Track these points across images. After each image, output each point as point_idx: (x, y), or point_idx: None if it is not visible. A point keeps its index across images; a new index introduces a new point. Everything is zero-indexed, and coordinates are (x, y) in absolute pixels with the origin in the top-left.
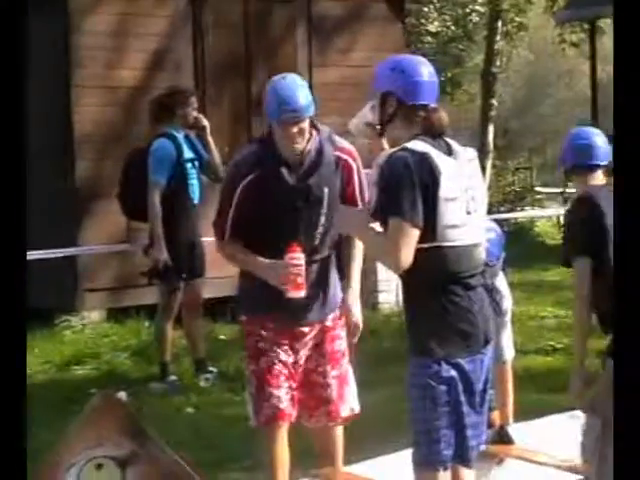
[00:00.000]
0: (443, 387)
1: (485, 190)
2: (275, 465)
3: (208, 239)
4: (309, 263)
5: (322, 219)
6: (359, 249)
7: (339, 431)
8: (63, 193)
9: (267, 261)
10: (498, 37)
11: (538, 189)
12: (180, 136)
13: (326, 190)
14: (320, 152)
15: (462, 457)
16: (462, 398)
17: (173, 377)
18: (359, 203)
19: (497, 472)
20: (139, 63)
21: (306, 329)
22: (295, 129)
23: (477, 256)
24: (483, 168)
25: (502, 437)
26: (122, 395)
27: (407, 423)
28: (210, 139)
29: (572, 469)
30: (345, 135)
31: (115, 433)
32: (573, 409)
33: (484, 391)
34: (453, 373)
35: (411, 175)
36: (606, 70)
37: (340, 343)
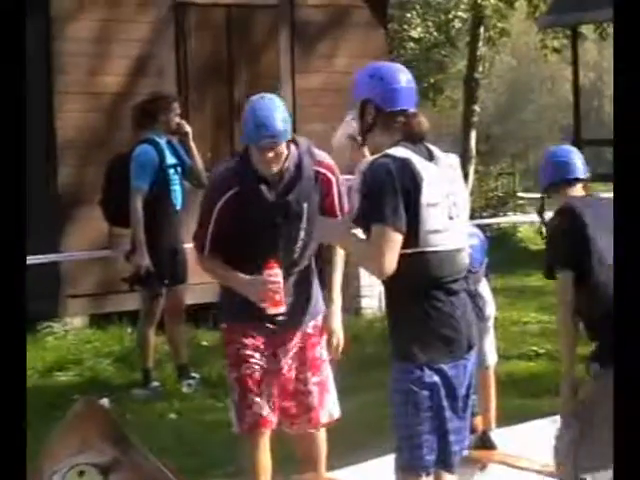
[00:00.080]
0: (425, 392)
1: (467, 195)
2: (257, 472)
3: (190, 245)
4: (289, 275)
5: (302, 233)
6: (340, 257)
7: (322, 436)
8: (45, 199)
9: (246, 277)
10: (480, 43)
11: (520, 195)
12: (162, 142)
13: (305, 205)
14: (299, 167)
15: (445, 462)
16: (445, 403)
17: (155, 383)
18: (338, 215)
19: (480, 477)
20: (121, 69)
21: (287, 337)
22: (272, 154)
23: (460, 261)
24: (465, 174)
25: (484, 442)
26: (104, 401)
27: (390, 428)
28: (193, 145)
29: (554, 474)
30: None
31: (97, 440)
32: (555, 414)
33: (467, 396)
34: (436, 378)
35: (393, 181)
36: (588, 76)
37: (320, 350)
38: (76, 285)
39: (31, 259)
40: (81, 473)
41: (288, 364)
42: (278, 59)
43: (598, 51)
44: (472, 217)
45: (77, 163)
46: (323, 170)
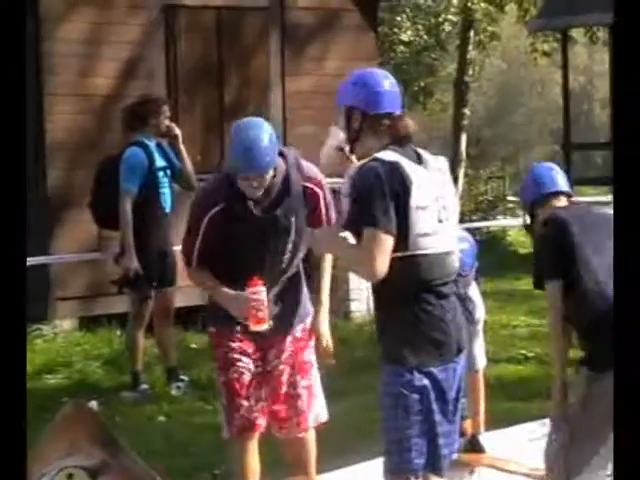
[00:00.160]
0: (415, 396)
1: (456, 199)
2: (246, 475)
3: (179, 248)
4: (276, 282)
5: (289, 246)
6: (328, 262)
7: (311, 440)
8: (35, 202)
9: (231, 293)
10: (471, 46)
11: (510, 198)
12: (152, 144)
13: (293, 219)
14: (287, 182)
15: (434, 466)
16: (434, 407)
17: (145, 386)
18: (325, 225)
19: None
20: (111, 71)
21: (276, 340)
22: (256, 183)
23: (450, 264)
24: (455, 177)
25: (473, 446)
26: (93, 404)
27: (379, 432)
28: (182, 148)
29: (543, 477)
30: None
31: (86, 442)
32: (544, 417)
33: (456, 400)
34: (426, 382)
35: (382, 184)
36: (578, 80)
37: (309, 353)
38: (65, 288)
39: None
40: (70, 476)
41: (277, 368)
42: (268, 62)
43: (588, 55)
44: (462, 221)
45: (66, 165)
46: (310, 185)
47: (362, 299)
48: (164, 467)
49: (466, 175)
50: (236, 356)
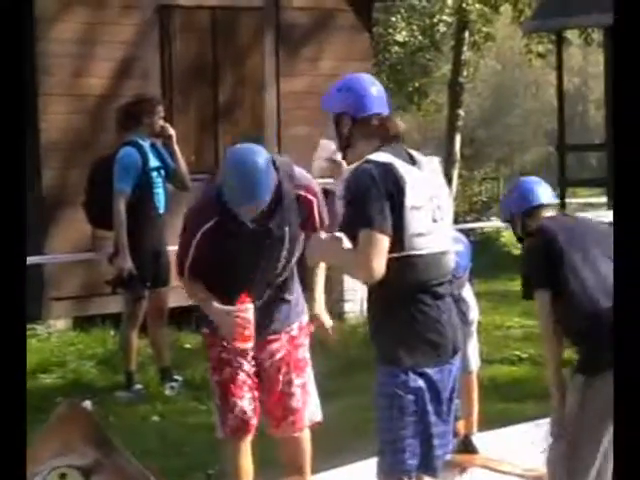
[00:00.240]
0: (410, 397)
1: (450, 198)
2: (239, 475)
3: (173, 248)
4: (271, 286)
5: (284, 254)
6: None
7: (307, 440)
8: (29, 201)
9: (221, 309)
10: (465, 47)
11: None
12: (146, 144)
13: (286, 229)
14: (279, 193)
15: (428, 466)
16: (429, 408)
17: (139, 386)
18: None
19: None
20: (106, 71)
21: (270, 339)
22: (252, 211)
23: (445, 264)
24: (449, 178)
25: (466, 446)
26: (87, 404)
27: (373, 432)
28: (176, 148)
29: (536, 478)
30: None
31: (80, 442)
32: (538, 418)
33: (451, 400)
34: (421, 383)
35: (377, 185)
36: (572, 81)
37: (304, 351)
38: (59, 288)
39: None
40: (63, 475)
41: (272, 366)
42: (263, 62)
43: (583, 56)
44: (456, 221)
45: (61, 165)
46: (304, 193)
47: (356, 300)
48: (158, 467)
49: (460, 176)
50: (230, 356)
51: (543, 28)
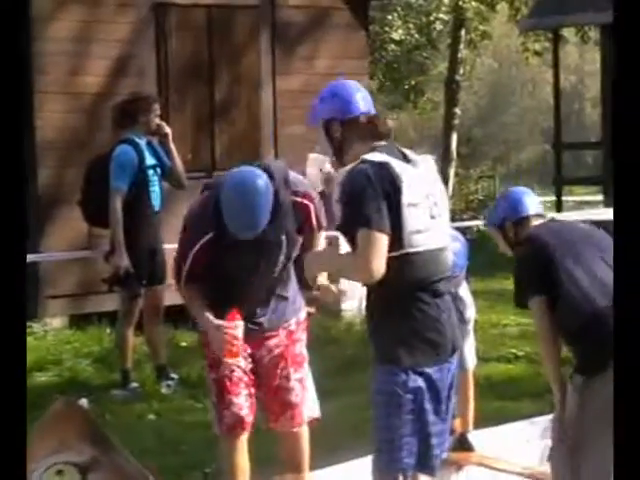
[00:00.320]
0: (409, 396)
1: (446, 195)
2: (235, 472)
3: (169, 246)
4: (269, 286)
5: (281, 258)
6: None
7: (305, 438)
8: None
9: (212, 322)
10: (462, 45)
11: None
12: (142, 142)
13: (283, 237)
14: (276, 201)
15: (425, 465)
16: (428, 407)
17: (135, 384)
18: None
19: (457, 479)
20: (102, 69)
21: (268, 336)
22: (252, 235)
23: (444, 260)
24: (446, 176)
25: (462, 444)
26: (83, 402)
27: (370, 430)
28: (172, 146)
29: (532, 476)
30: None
31: (76, 439)
32: (533, 416)
33: (449, 399)
34: (420, 383)
35: (373, 185)
36: (569, 79)
37: (301, 347)
38: (55, 286)
39: None
40: (59, 472)
41: (270, 361)
42: (259, 60)
43: (579, 54)
44: (452, 220)
45: (57, 163)
46: (300, 199)
47: (353, 298)
48: (154, 465)
49: (457, 174)
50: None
51: (539, 26)
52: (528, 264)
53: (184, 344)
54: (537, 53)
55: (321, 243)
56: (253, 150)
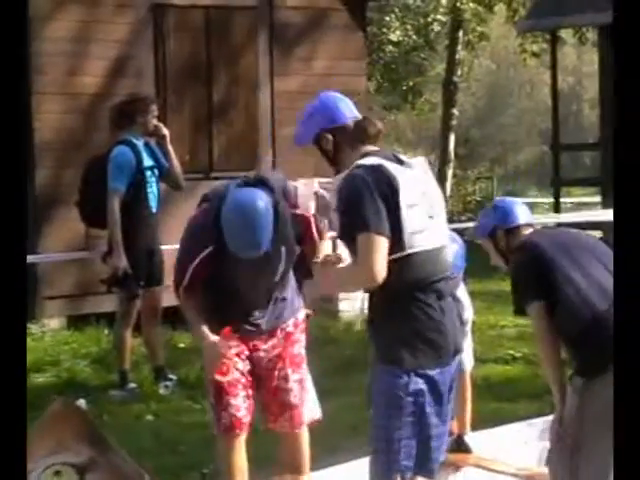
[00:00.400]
0: (410, 399)
1: (442, 196)
2: (232, 473)
3: (167, 247)
4: (268, 291)
5: (280, 269)
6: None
7: (305, 440)
8: None
9: (208, 339)
10: (459, 46)
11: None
12: (140, 144)
13: (283, 249)
14: (276, 215)
15: (425, 468)
16: (430, 409)
17: (133, 385)
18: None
19: None
20: (100, 70)
21: (266, 338)
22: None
23: (444, 259)
24: (444, 177)
25: (460, 446)
26: (81, 402)
27: (367, 431)
28: (170, 148)
29: (529, 477)
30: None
31: (74, 440)
32: (531, 417)
33: (448, 401)
34: (422, 385)
35: (369, 188)
36: (567, 80)
37: (300, 347)
38: (53, 286)
39: None
40: (57, 473)
41: (269, 362)
42: (257, 61)
43: (577, 55)
44: (450, 221)
45: (54, 164)
46: (299, 211)
47: (351, 298)
48: (152, 466)
49: (454, 175)
50: (228, 343)
51: (537, 27)
52: (525, 270)
53: (182, 345)
54: (535, 54)
55: (324, 251)
56: (251, 151)
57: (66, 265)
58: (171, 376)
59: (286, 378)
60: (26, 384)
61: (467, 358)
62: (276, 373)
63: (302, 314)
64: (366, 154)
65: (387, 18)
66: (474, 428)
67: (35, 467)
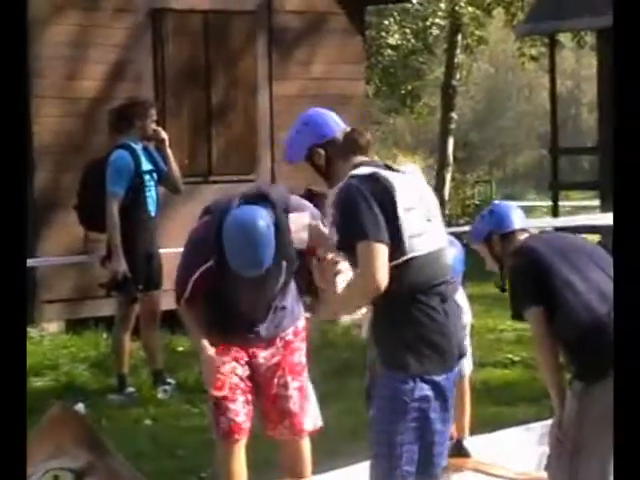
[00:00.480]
0: (415, 404)
1: (436, 199)
2: (231, 478)
3: (165, 251)
4: (268, 301)
5: (281, 280)
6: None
7: (307, 446)
8: None
9: (206, 352)
10: (458, 50)
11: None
12: (138, 147)
13: (284, 263)
14: (277, 230)
15: (427, 473)
16: (434, 415)
17: (131, 389)
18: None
19: None
20: (99, 74)
21: (266, 345)
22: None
23: (444, 261)
24: (442, 181)
25: (459, 450)
26: (80, 407)
27: (366, 436)
28: (169, 152)
29: None
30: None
31: (72, 444)
32: (529, 422)
33: (451, 406)
34: (428, 391)
35: (365, 197)
36: (565, 84)
37: (300, 356)
38: (52, 290)
39: None
40: (55, 477)
41: (268, 370)
42: (255, 65)
43: (575, 59)
44: (449, 225)
45: (53, 168)
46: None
47: None
48: (150, 470)
49: (453, 179)
50: (224, 359)
51: (536, 31)
52: (523, 275)
53: (181, 349)
54: (533, 58)
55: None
56: (249, 155)
57: (65, 269)
58: (170, 380)
59: (285, 386)
60: (26, 388)
61: (466, 362)
62: (275, 381)
63: (302, 322)
64: (359, 164)
65: (386, 22)
66: (473, 432)
67: (34, 471)
